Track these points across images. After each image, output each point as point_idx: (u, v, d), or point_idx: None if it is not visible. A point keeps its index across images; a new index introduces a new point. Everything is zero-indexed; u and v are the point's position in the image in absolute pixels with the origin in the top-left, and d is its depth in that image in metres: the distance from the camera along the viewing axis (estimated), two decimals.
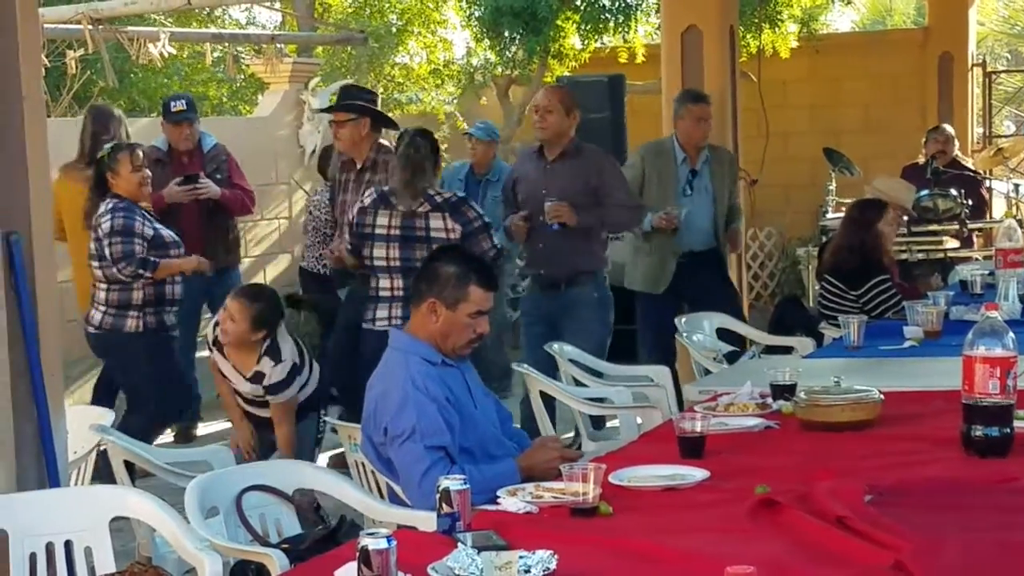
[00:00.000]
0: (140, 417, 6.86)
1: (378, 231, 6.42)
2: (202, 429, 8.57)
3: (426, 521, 3.40)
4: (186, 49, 15.38)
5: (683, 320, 6.97)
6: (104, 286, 6.74)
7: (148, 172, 6.88)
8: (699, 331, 7.00)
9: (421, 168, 6.39)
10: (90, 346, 7.04)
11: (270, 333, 5.92)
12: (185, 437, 8.38)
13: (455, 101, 14.91)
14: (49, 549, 3.53)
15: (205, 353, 7.02)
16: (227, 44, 13.34)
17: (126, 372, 7.01)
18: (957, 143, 11.37)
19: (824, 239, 9.43)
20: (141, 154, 6.88)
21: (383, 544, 2.52)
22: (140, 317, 6.76)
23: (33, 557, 3.51)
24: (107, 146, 6.90)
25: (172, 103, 8.33)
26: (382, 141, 7.39)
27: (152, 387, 6.88)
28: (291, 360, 5.93)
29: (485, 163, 9.71)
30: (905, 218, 8.63)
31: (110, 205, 6.67)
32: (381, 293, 6.47)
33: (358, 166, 7.24)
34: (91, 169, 7.45)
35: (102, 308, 6.77)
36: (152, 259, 6.71)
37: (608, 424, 7.13)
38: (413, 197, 6.35)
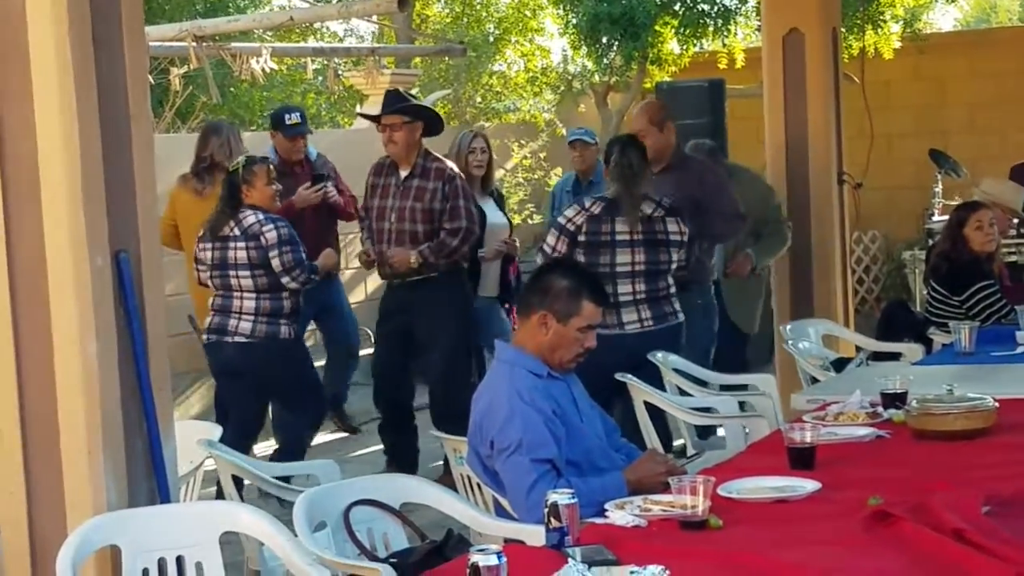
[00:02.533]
0: (299, 424, 7.01)
1: (619, 237, 6.38)
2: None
3: (534, 535, 3.38)
4: (285, 62, 15.54)
5: (788, 327, 6.89)
6: (253, 295, 6.73)
7: (279, 186, 6.99)
8: (805, 338, 6.92)
9: (637, 175, 6.41)
10: (222, 359, 6.89)
11: None
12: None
13: (553, 109, 14.90)
14: (161, 564, 3.57)
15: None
16: (327, 57, 13.45)
17: (280, 380, 6.95)
18: None
19: (930, 242, 9.30)
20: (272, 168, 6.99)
21: (493, 560, 2.52)
22: (289, 325, 6.84)
23: (146, 572, 3.55)
24: (240, 159, 6.93)
25: (286, 116, 8.41)
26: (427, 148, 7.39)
27: (306, 393, 7.00)
28: None
29: (591, 168, 9.63)
30: (1016, 220, 8.48)
31: (261, 216, 6.72)
32: (622, 298, 6.39)
33: (404, 172, 7.23)
34: (200, 180, 7.74)
35: (251, 317, 6.75)
36: (314, 264, 6.93)
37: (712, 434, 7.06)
38: (635, 205, 6.37)
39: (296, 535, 3.55)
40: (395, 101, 7.37)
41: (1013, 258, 9.32)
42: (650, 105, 7.74)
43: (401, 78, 12.24)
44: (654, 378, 5.94)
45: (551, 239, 6.45)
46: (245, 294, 6.76)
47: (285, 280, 6.71)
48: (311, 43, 15.79)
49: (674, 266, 6.47)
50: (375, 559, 3.75)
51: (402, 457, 7.36)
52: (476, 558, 2.52)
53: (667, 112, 7.23)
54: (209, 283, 6.88)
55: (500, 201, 8.45)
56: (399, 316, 7.29)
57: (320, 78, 15.99)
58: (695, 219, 6.84)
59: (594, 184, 9.32)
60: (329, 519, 3.83)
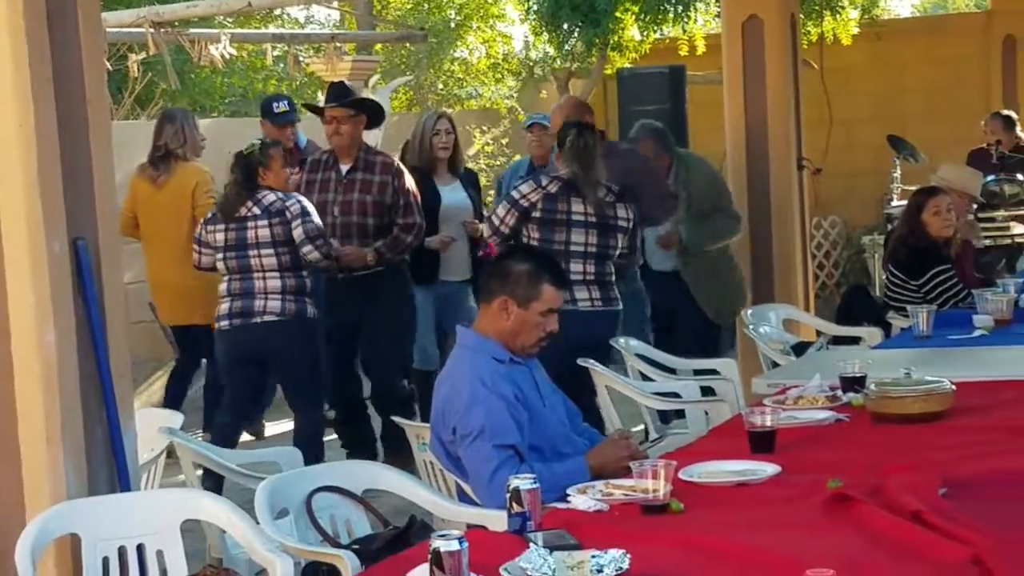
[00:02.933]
0: (316, 405, 6.88)
1: (575, 217, 6.43)
2: (269, 429, 8.62)
3: (496, 520, 3.39)
4: (246, 48, 15.47)
5: (749, 312, 6.93)
6: (277, 274, 6.62)
7: (294, 169, 6.98)
8: (766, 323, 6.96)
9: (594, 158, 6.47)
10: (248, 342, 6.67)
11: None
12: (254, 435, 8.45)
13: (515, 95, 14.90)
14: (121, 553, 3.56)
15: None
16: (287, 44, 13.41)
17: (304, 360, 6.78)
18: (1019, 127, 11.24)
19: (889, 227, 9.36)
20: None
21: (455, 546, 2.52)
22: (313, 304, 6.78)
23: (106, 561, 3.54)
24: (256, 142, 6.88)
25: (275, 104, 8.42)
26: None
27: (320, 375, 6.89)
28: None
29: (549, 152, 9.57)
30: (974, 206, 8.53)
31: (280, 194, 6.69)
32: (573, 277, 6.39)
33: (345, 166, 7.22)
34: (155, 169, 7.77)
35: (278, 296, 6.63)
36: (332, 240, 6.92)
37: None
38: (594, 187, 6.44)
39: (258, 522, 3.55)
40: (341, 94, 7.36)
41: (974, 243, 9.39)
42: (569, 102, 7.75)
43: (362, 65, 12.21)
44: (606, 359, 5.98)
45: (501, 211, 6.48)
46: (268, 274, 6.63)
47: (307, 249, 6.60)
48: (271, 29, 15.71)
49: (618, 252, 6.54)
50: (337, 546, 3.75)
51: (361, 448, 7.35)
52: (437, 543, 2.52)
53: (586, 107, 7.33)
54: (220, 266, 6.70)
55: (476, 182, 8.42)
56: (345, 309, 7.26)
57: (281, 65, 15.94)
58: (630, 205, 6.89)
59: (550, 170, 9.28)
60: (291, 506, 3.82)
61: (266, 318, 6.62)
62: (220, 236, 6.67)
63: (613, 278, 6.54)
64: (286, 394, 7.00)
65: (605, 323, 6.39)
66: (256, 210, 6.62)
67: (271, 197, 6.64)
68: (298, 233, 6.60)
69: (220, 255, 6.68)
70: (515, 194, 6.48)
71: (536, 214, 6.40)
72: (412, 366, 7.57)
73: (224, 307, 6.69)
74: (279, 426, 8.45)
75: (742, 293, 8.05)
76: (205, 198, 7.81)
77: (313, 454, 6.60)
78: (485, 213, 7.50)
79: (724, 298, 7.83)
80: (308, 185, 7.30)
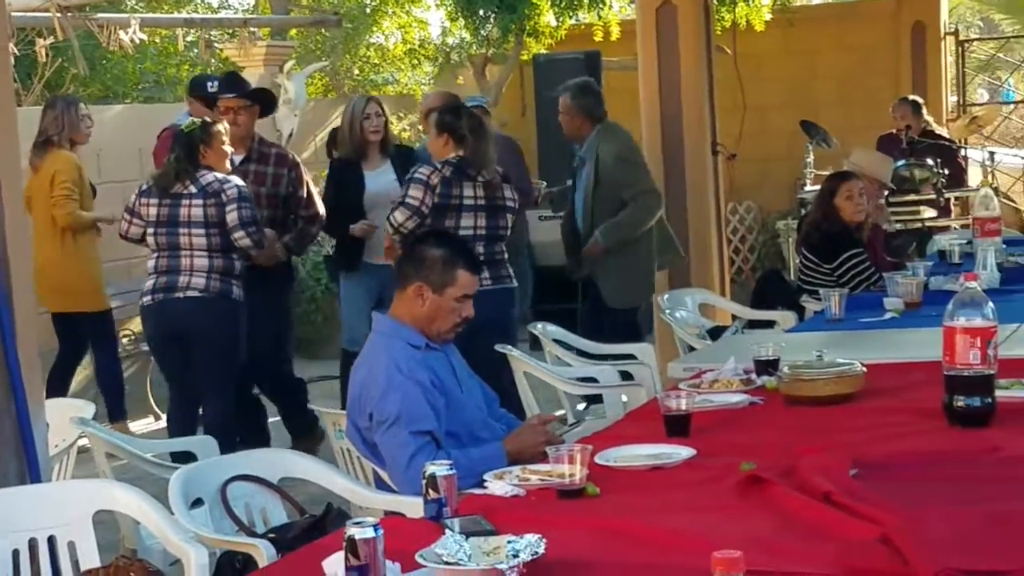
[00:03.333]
0: (226, 392, 6.77)
1: (466, 201, 6.49)
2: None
3: (413, 507, 3.38)
4: (159, 33, 15.29)
5: (665, 297, 6.97)
6: (205, 253, 6.57)
7: (232, 148, 6.91)
8: (682, 308, 7.00)
9: (487, 138, 6.54)
10: (169, 317, 6.59)
11: None
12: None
13: (432, 81, 14.86)
14: (32, 545, 3.51)
15: None
16: (199, 28, 13.27)
17: (224, 342, 6.72)
18: (926, 111, 11.40)
19: (803, 212, 9.46)
20: None
21: (370, 533, 2.51)
22: (240, 287, 6.73)
23: (16, 554, 3.49)
24: (195, 119, 6.81)
25: (208, 84, 8.32)
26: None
27: (237, 359, 6.82)
28: None
29: None
30: (885, 192, 8.64)
31: (219, 175, 6.65)
32: None
33: (238, 157, 7.15)
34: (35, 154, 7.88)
35: (203, 274, 6.57)
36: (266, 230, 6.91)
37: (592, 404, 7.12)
38: (490, 166, 6.52)
39: (172, 513, 3.52)
40: (236, 84, 7.33)
41: (885, 226, 9.51)
42: (437, 95, 7.70)
43: (277, 50, 12.12)
44: (500, 338, 6.02)
45: (418, 192, 6.46)
46: (196, 252, 6.58)
47: (239, 235, 6.56)
48: (183, 14, 15.53)
49: (507, 232, 6.64)
50: (253, 535, 3.73)
51: (259, 437, 7.32)
52: (352, 531, 2.51)
53: (455, 99, 7.34)
54: (150, 240, 6.63)
55: (409, 156, 8.32)
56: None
57: (195, 50, 15.76)
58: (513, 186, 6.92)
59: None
60: (206, 496, 3.79)
61: (188, 294, 6.57)
62: (152, 211, 6.62)
63: (504, 256, 6.62)
64: (200, 374, 6.78)
65: (499, 301, 6.44)
66: (192, 188, 6.59)
67: (209, 177, 6.61)
68: (232, 218, 6.57)
69: (151, 230, 6.62)
70: (421, 176, 6.50)
71: (436, 199, 6.45)
72: (343, 348, 7.56)
73: (149, 283, 6.65)
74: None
75: (644, 281, 7.89)
76: (60, 188, 7.82)
77: (227, 442, 6.57)
78: None
79: (624, 282, 7.81)
80: None
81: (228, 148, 6.81)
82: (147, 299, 6.64)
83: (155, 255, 6.65)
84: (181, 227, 6.58)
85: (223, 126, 6.87)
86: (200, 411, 6.84)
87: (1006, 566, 2.49)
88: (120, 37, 10.19)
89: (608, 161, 7.60)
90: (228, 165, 6.83)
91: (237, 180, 6.70)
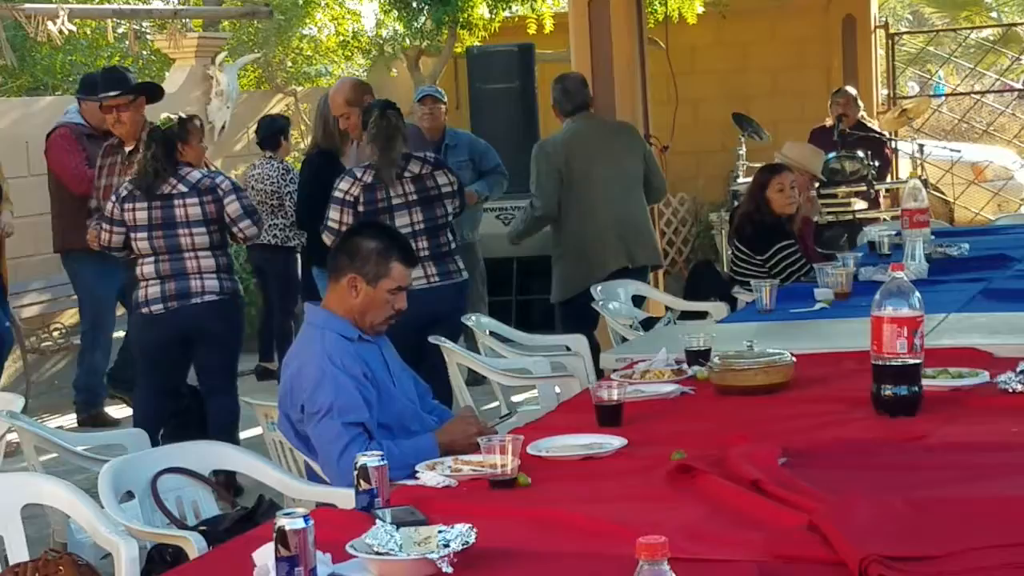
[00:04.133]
0: (235, 385, 6.76)
1: (395, 201, 6.41)
2: (115, 414, 8.50)
3: (345, 498, 3.39)
4: (88, 25, 15.14)
5: (599, 288, 6.99)
6: (209, 252, 6.49)
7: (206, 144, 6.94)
8: (615, 299, 7.03)
9: (393, 138, 6.43)
10: (188, 323, 6.48)
11: None
12: (97, 420, 8.32)
13: (365, 73, 14.81)
14: None
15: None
16: (129, 20, 13.14)
17: (237, 338, 6.75)
18: (861, 105, 11.50)
19: (736, 204, 9.52)
20: None
21: (299, 524, 2.51)
22: (238, 282, 6.74)
23: None
24: (171, 115, 6.72)
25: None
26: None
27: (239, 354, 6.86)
28: None
29: (440, 127, 9.04)
30: (816, 184, 8.73)
31: (204, 171, 6.64)
32: None
33: (128, 147, 7.10)
34: None
35: (214, 275, 6.49)
36: None
37: (526, 394, 7.15)
38: (391, 167, 6.40)
39: (103, 506, 3.50)
40: (116, 82, 7.23)
41: (816, 219, 9.60)
42: (346, 83, 7.58)
43: (209, 41, 12.04)
44: (449, 333, 6.03)
45: (335, 214, 6.41)
46: (200, 252, 6.47)
47: (245, 224, 6.51)
48: (112, 5, 15.38)
49: (451, 218, 6.59)
50: (184, 527, 3.72)
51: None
52: (282, 522, 2.51)
53: (365, 87, 7.27)
54: (142, 246, 6.46)
55: None
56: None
57: (127, 42, 15.62)
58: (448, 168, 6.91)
59: (450, 147, 8.80)
60: (137, 489, 3.78)
61: (206, 298, 6.47)
62: (142, 215, 6.44)
63: (452, 247, 6.56)
64: (208, 375, 6.74)
65: (445, 298, 6.39)
66: (182, 187, 6.46)
67: (196, 175, 6.53)
68: (234, 208, 6.49)
69: (142, 234, 6.44)
70: (339, 193, 6.43)
71: (360, 208, 6.38)
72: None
73: (154, 290, 6.45)
74: (126, 410, 8.34)
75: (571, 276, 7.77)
76: None
77: (235, 437, 6.59)
78: None
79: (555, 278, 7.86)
80: (99, 171, 7.29)
81: (204, 144, 6.81)
82: (157, 307, 6.45)
83: (152, 260, 6.46)
84: (180, 227, 6.43)
85: (199, 120, 6.85)
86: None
87: (930, 552, 2.52)
88: (48, 28, 10.08)
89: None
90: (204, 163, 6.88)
91: (222, 172, 6.70)
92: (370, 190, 6.39)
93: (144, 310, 6.49)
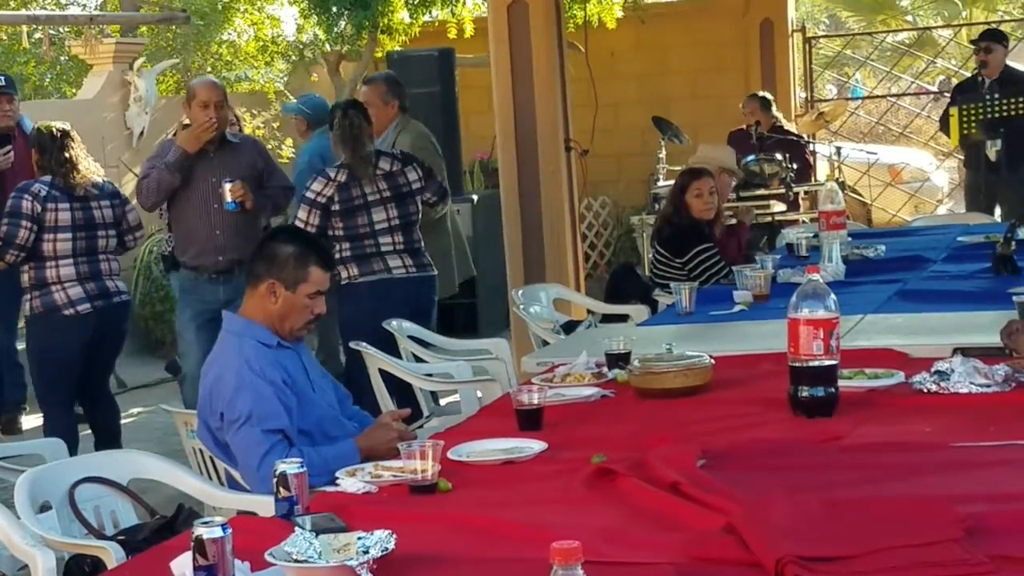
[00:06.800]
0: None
1: (370, 198, 6.59)
2: (30, 422, 8.39)
3: (266, 506, 3.37)
4: (3, 30, 14.95)
5: (520, 292, 7.01)
6: (112, 255, 6.66)
7: None
8: (536, 303, 7.05)
9: (360, 136, 6.60)
10: (109, 323, 6.63)
11: None
12: (8, 430, 8.21)
13: (285, 79, 14.74)
14: None
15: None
16: (45, 25, 12.99)
17: (123, 340, 6.93)
18: (775, 107, 11.62)
19: (656, 207, 9.58)
20: None
21: (217, 532, 2.49)
22: None
23: None
24: (49, 123, 6.69)
25: None
26: None
27: None
28: None
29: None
30: (733, 182, 8.81)
31: (101, 176, 6.71)
32: (384, 248, 6.64)
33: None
34: None
35: (118, 277, 6.71)
36: None
37: (449, 399, 7.14)
38: (366, 165, 6.59)
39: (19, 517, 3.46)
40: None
41: (732, 221, 9.68)
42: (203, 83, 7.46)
43: (126, 47, 11.93)
44: (428, 324, 6.32)
45: (303, 214, 6.56)
46: (110, 255, 6.63)
47: (138, 234, 6.80)
48: (27, 11, 15.20)
49: (419, 216, 6.77)
50: (103, 537, 3.68)
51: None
52: (200, 531, 2.50)
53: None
54: (62, 247, 6.45)
55: None
56: None
57: (42, 47, 15.43)
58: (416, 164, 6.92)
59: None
60: (54, 499, 3.73)
61: (122, 298, 6.65)
62: (65, 215, 6.45)
63: (422, 245, 6.76)
64: (102, 378, 6.91)
65: (423, 289, 6.66)
66: (94, 190, 6.57)
67: (97, 178, 6.65)
68: (133, 216, 6.70)
69: (64, 235, 6.45)
70: (310, 194, 6.57)
71: (335, 207, 6.54)
72: None
73: (76, 291, 6.47)
74: (37, 419, 8.25)
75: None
76: None
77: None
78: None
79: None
80: None
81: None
82: (84, 307, 6.49)
83: (71, 261, 6.47)
84: (99, 230, 6.57)
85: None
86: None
87: (845, 551, 2.55)
88: None
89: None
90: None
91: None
92: (344, 189, 6.55)
93: (68, 311, 6.47)
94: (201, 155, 6.69)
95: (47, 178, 6.54)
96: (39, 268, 6.47)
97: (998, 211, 10.04)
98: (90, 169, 6.64)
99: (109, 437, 6.80)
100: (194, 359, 6.56)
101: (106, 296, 6.56)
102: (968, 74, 12.04)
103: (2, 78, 8.19)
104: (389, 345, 6.01)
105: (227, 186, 6.58)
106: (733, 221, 8.01)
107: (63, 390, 6.67)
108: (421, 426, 4.35)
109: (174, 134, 6.72)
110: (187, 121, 6.92)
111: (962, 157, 11.10)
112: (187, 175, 6.60)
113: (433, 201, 6.95)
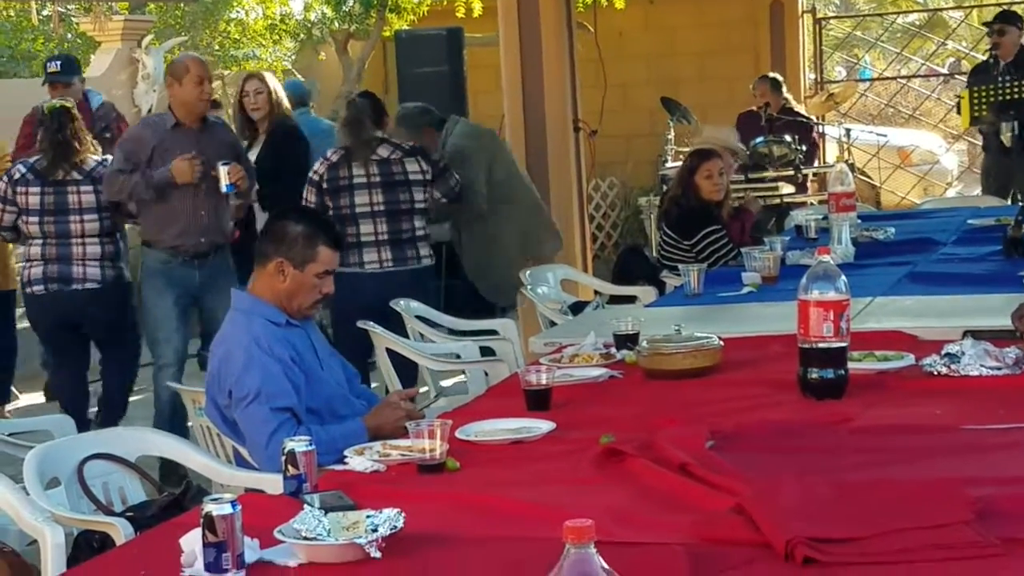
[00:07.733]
0: (130, 369, 6.99)
1: (356, 181, 6.63)
2: (25, 399, 8.40)
3: (273, 484, 3.37)
4: (12, 7, 14.94)
5: (528, 273, 7.00)
6: (97, 240, 6.63)
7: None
8: (544, 283, 7.04)
9: (362, 122, 6.69)
10: (66, 309, 6.66)
11: None
12: None
13: (293, 57, 14.72)
14: None
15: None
16: (54, 2, 12.99)
17: (123, 325, 6.86)
18: (785, 89, 11.59)
19: (664, 188, 9.57)
20: None
21: (227, 509, 2.49)
22: (126, 268, 6.82)
23: None
24: (55, 102, 6.75)
25: (48, 64, 8.29)
26: None
27: (135, 336, 6.97)
28: None
29: None
30: (737, 163, 8.79)
31: (98, 158, 6.71)
32: (364, 239, 6.63)
33: None
34: None
35: (97, 263, 6.63)
36: None
37: (456, 379, 7.14)
38: (365, 149, 6.65)
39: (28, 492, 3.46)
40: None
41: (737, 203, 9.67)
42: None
43: (135, 24, 11.93)
44: (399, 322, 6.03)
45: (306, 193, 6.71)
46: (88, 239, 6.60)
47: (113, 220, 6.73)
48: None
49: (420, 205, 6.73)
50: (111, 514, 3.69)
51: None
52: (209, 507, 2.50)
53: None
54: (33, 229, 6.59)
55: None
56: None
57: (52, 24, 15.42)
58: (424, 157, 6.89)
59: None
60: (63, 475, 3.74)
61: (87, 285, 6.61)
62: (35, 199, 6.58)
63: (417, 235, 6.74)
64: (105, 359, 7.01)
65: (398, 284, 6.51)
66: (76, 175, 6.58)
67: (91, 162, 6.64)
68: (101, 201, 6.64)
69: (33, 218, 6.57)
70: (312, 174, 6.74)
71: (325, 185, 6.63)
72: None
73: (38, 271, 6.60)
74: (33, 398, 8.29)
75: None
76: None
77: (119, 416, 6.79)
78: None
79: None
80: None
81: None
82: (38, 288, 6.62)
83: (40, 243, 6.61)
84: (72, 214, 6.59)
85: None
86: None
87: (854, 533, 2.55)
88: None
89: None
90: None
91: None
92: (333, 168, 6.65)
93: (28, 290, 6.68)
94: (185, 132, 6.54)
95: (32, 159, 6.70)
96: (25, 246, 6.75)
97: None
98: (89, 149, 6.66)
99: (106, 399, 6.88)
100: (177, 346, 6.54)
101: (66, 281, 6.59)
102: (979, 56, 12.00)
103: (58, 63, 8.22)
104: (360, 341, 5.93)
105: (223, 169, 6.44)
106: (739, 204, 7.99)
107: (54, 356, 7.01)
108: (428, 406, 4.34)
109: (169, 108, 6.61)
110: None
111: (972, 140, 11.08)
112: (161, 196, 6.49)
113: (443, 200, 6.92)
